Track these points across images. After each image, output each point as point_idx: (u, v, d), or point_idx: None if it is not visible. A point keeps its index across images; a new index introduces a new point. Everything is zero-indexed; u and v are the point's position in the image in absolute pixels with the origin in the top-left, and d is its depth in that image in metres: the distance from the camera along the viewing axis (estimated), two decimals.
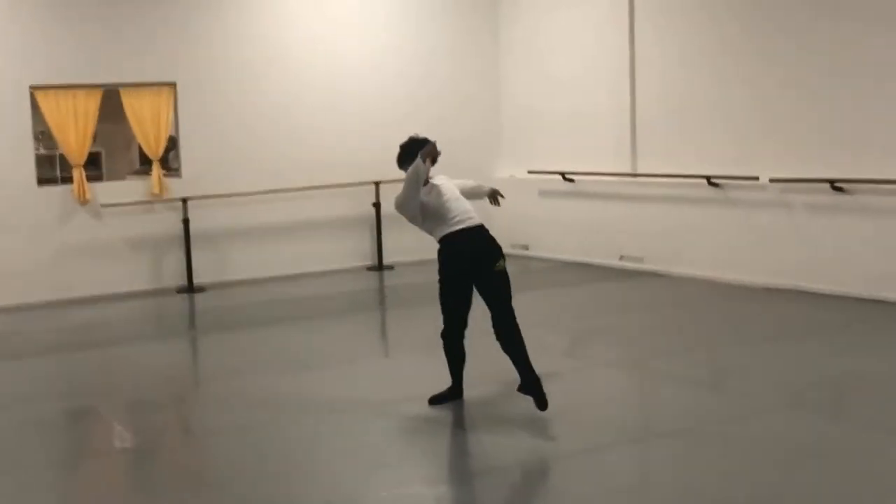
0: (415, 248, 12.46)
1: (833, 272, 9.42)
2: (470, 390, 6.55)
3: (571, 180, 12.19)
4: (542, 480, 5.28)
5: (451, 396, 6.49)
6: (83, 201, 11.06)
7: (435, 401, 6.44)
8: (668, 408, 6.50)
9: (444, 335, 6.41)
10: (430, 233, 6.40)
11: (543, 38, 12.71)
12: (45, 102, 10.86)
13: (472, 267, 6.25)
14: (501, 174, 13.26)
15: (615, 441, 5.78)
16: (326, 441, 5.94)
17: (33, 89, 10.77)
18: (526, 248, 12.86)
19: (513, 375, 6.16)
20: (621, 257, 11.64)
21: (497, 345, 6.20)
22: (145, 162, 13.08)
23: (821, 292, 9.43)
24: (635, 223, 11.48)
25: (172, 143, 11.90)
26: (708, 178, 10.47)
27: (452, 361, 6.48)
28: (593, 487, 5.05)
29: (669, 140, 11.13)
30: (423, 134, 6.56)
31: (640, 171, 11.47)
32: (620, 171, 11.61)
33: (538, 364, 6.16)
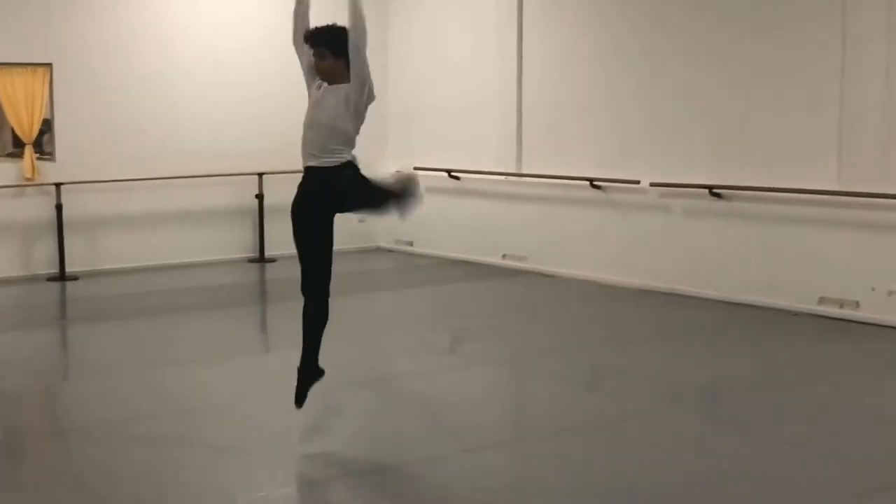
0: None
1: (709, 276, 9.65)
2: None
3: (457, 178, 12.21)
4: (421, 480, 5.24)
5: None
6: None
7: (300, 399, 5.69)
8: (546, 407, 6.55)
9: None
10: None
11: (433, 31, 12.68)
12: None
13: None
14: (387, 169, 13.17)
15: (494, 440, 5.79)
16: (198, 439, 5.79)
17: None
18: (410, 244, 12.83)
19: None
20: (504, 256, 11.72)
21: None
22: (18, 145, 12.57)
23: (697, 295, 9.65)
24: (519, 222, 11.56)
25: (47, 126, 11.46)
26: (591, 180, 10.61)
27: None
28: (472, 487, 5.04)
29: (555, 140, 11.23)
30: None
31: (524, 170, 11.55)
32: (506, 171, 11.67)
33: (420, 361, 6.12)
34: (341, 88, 5.50)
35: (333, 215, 5.55)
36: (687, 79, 9.88)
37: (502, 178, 11.73)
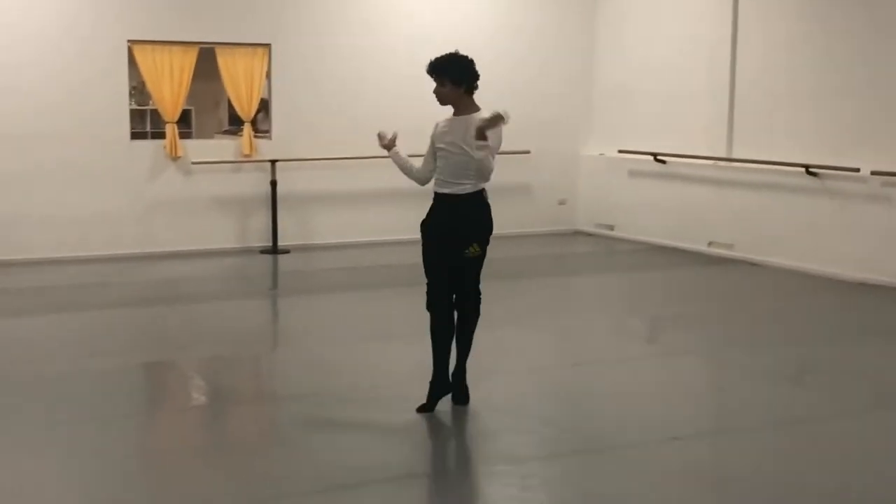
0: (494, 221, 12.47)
1: None
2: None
3: (663, 161, 11.93)
4: (622, 467, 5.15)
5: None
6: (174, 157, 11.19)
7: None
8: (748, 400, 6.29)
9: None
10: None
11: (642, 14, 12.42)
12: (142, 57, 10.99)
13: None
14: (591, 152, 13.05)
15: (694, 432, 5.62)
16: (393, 413, 5.89)
17: (131, 44, 10.90)
18: (611, 228, 12.65)
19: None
20: (710, 243, 11.37)
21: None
22: (234, 122, 13.21)
23: None
24: (727, 209, 11.17)
25: (263, 105, 11.96)
26: (806, 166, 10.13)
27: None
28: (672, 477, 4.92)
29: (768, 125, 10.78)
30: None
31: (735, 155, 11.15)
32: (715, 155, 11.31)
33: (616, 349, 6.01)
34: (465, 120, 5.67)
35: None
36: None
37: (711, 162, 11.38)
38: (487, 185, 5.77)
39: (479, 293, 5.79)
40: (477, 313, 5.79)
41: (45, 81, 10.60)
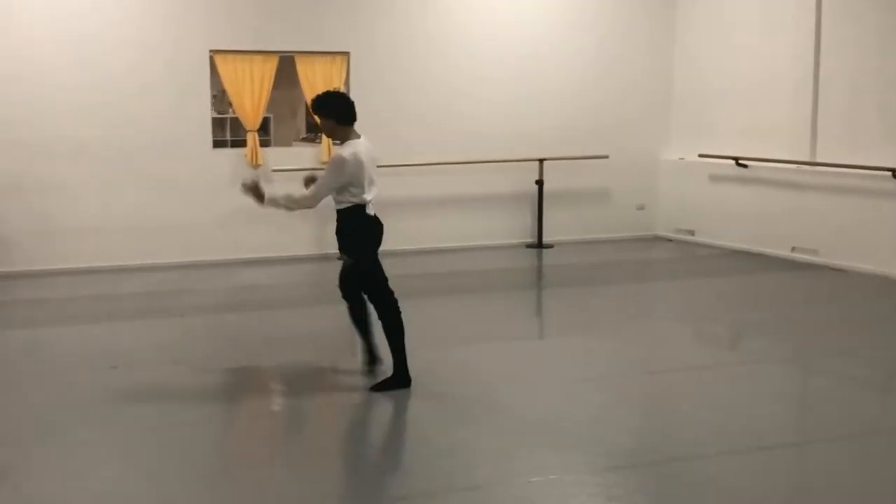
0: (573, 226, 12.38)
1: None
2: None
3: (745, 166, 11.72)
4: (706, 475, 5.06)
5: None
6: (255, 165, 11.34)
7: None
8: (836, 408, 6.14)
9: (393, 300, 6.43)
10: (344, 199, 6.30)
11: (723, 15, 12.23)
12: (224, 67, 11.17)
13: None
14: (670, 156, 12.90)
15: (780, 440, 5.50)
16: (482, 420, 5.87)
17: (213, 53, 11.09)
18: (692, 233, 12.47)
19: None
20: (793, 248, 11.13)
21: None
22: (311, 130, 13.33)
23: None
24: (811, 213, 10.93)
25: None
26: (893, 170, 9.87)
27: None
28: (758, 486, 4.82)
29: (853, 128, 10.53)
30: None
31: (819, 159, 10.91)
32: (798, 160, 11.08)
33: (698, 356, 5.91)
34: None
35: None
36: None
37: (794, 166, 11.15)
38: None
39: (378, 301, 6.38)
40: (382, 316, 6.38)
41: (131, 92, 10.84)
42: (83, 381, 6.68)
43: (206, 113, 11.25)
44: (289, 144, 13.75)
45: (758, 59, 11.67)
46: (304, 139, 13.90)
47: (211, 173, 11.23)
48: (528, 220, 12.44)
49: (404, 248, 11.74)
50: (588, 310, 8.78)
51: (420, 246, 11.93)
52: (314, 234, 11.64)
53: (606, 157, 12.35)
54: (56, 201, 10.71)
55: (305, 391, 6.60)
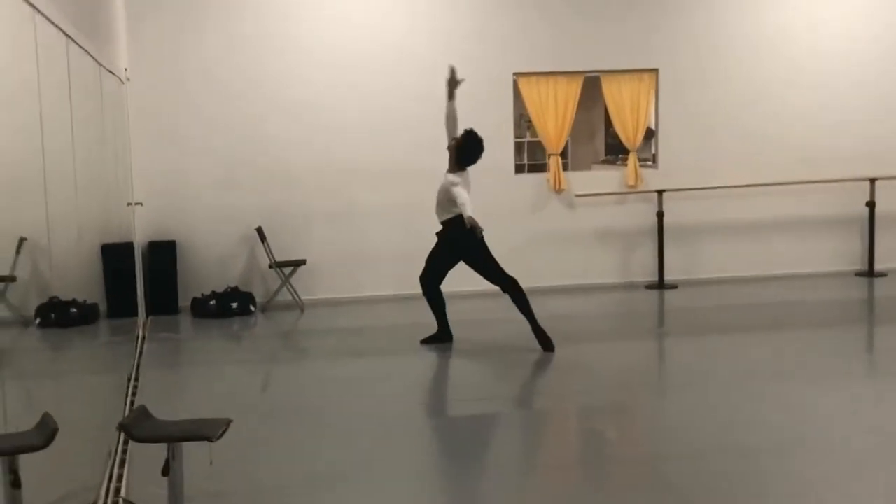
0: None
1: None
2: None
3: None
4: None
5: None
6: (558, 190, 10.94)
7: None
8: None
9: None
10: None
11: None
12: (527, 90, 10.86)
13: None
14: None
15: None
16: (784, 465, 5.08)
17: (516, 76, 10.79)
18: None
19: None
20: None
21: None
22: (610, 152, 12.81)
23: None
24: None
25: (648, 133, 11.45)
26: None
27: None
28: None
29: None
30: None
31: None
32: None
33: None
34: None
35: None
36: None
37: None
38: None
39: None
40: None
41: (429, 116, 10.68)
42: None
43: (509, 137, 10.96)
44: (588, 168, 13.29)
45: None
46: (603, 161, 13.40)
47: (513, 199, 10.91)
48: (857, 245, 11.33)
49: (724, 275, 11.01)
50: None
51: (740, 274, 11.12)
52: (618, 262, 11.11)
53: None
54: (360, 227, 10.71)
55: (608, 438, 6.02)
